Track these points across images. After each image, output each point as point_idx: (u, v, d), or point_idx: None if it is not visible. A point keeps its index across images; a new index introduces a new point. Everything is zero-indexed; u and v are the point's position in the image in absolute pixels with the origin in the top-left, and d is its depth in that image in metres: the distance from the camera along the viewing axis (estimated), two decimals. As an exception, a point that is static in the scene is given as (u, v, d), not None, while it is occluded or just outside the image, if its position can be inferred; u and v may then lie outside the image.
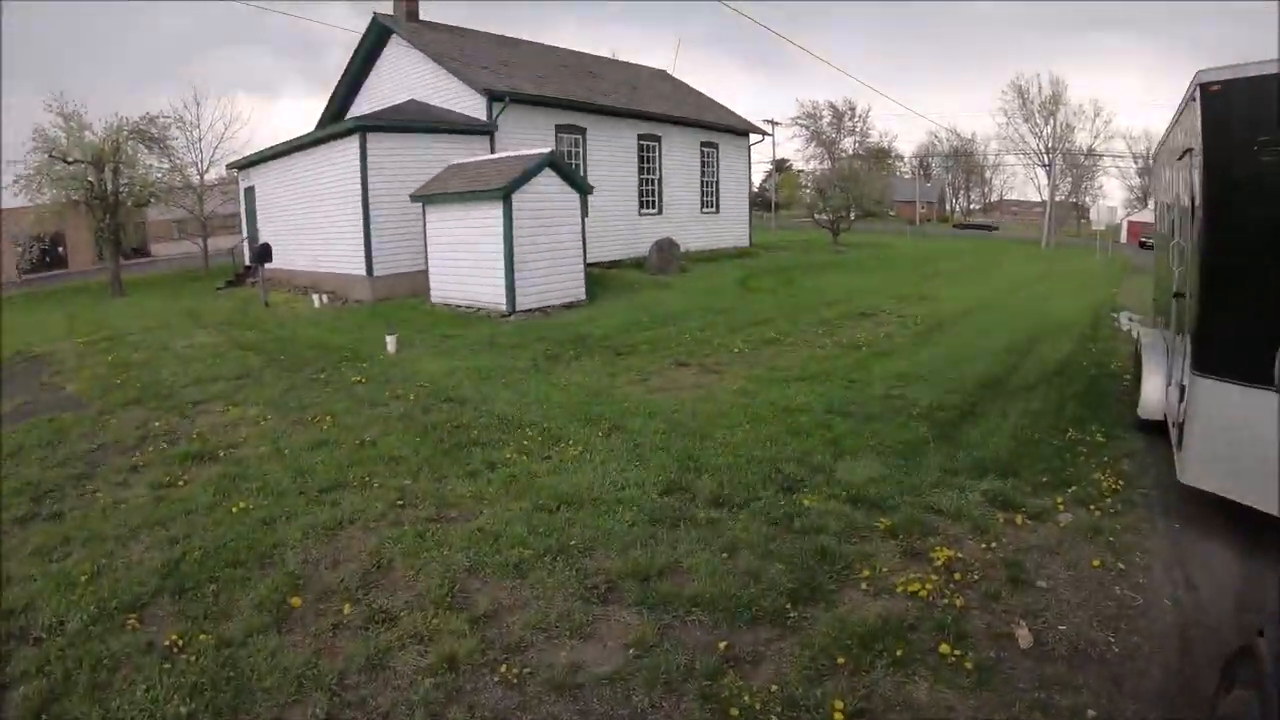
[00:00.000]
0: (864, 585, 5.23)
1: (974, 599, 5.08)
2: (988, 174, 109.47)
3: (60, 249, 58.82)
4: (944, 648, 4.49)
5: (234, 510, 6.69)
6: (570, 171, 18.84)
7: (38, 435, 9.56)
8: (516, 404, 9.74)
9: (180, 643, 4.76)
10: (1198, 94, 5.82)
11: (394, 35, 26.61)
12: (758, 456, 7.62)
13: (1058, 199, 73.36)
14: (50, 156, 32.12)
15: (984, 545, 5.81)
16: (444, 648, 4.55)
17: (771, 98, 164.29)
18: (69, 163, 32.27)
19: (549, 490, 6.78)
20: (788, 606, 4.95)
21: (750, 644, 4.62)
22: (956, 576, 5.32)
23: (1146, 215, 74.04)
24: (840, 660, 4.40)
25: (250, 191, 29.11)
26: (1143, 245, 59.69)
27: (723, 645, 4.56)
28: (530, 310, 17.50)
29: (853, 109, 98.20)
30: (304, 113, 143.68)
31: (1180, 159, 7.21)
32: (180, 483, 7.58)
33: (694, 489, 6.85)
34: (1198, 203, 5.99)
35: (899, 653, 4.44)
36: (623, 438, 8.27)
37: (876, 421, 8.92)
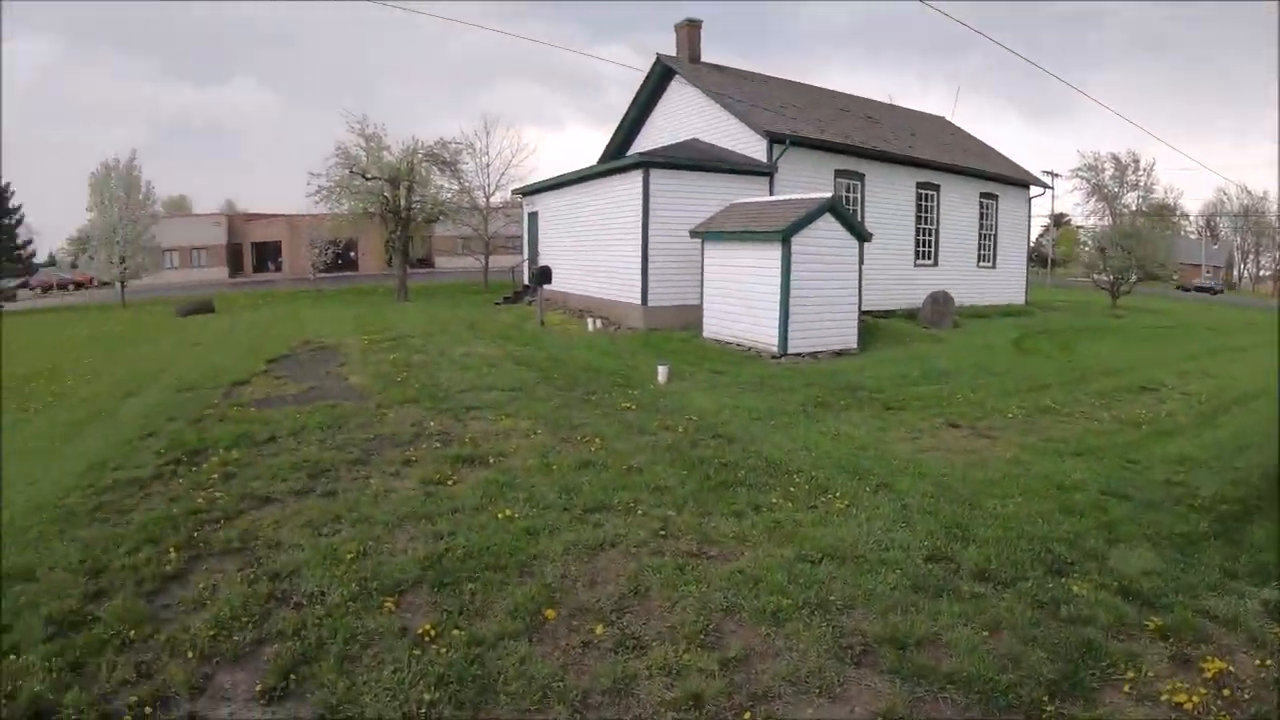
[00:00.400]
0: (1127, 688, 4.67)
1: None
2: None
3: (352, 254, 64.04)
4: None
5: (499, 516, 6.81)
6: (850, 217, 18.51)
7: (319, 418, 10.23)
8: (785, 448, 9.48)
9: (433, 633, 4.87)
10: None
11: (676, 75, 27.24)
12: (1028, 533, 7.01)
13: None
14: (351, 172, 35.22)
15: (1259, 661, 5.06)
16: (691, 684, 4.37)
17: (1049, 148, 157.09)
18: (367, 179, 35.28)
19: (813, 541, 6.48)
20: (1045, 699, 4.47)
21: (1003, 734, 4.20)
22: (1226, 693, 4.66)
23: None
24: (1096, 769, 3.89)
25: (534, 216, 30.52)
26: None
27: (974, 727, 4.17)
28: (800, 354, 17.25)
29: (1136, 161, 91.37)
30: (582, 146, 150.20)
31: None
32: (450, 482, 7.85)
33: (959, 559, 6.37)
34: None
35: None
36: (890, 496, 7.86)
37: (1155, 509, 8.05)
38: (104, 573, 6.05)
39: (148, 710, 4.28)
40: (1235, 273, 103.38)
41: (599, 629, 4.95)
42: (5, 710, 4.37)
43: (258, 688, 4.42)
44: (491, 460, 8.59)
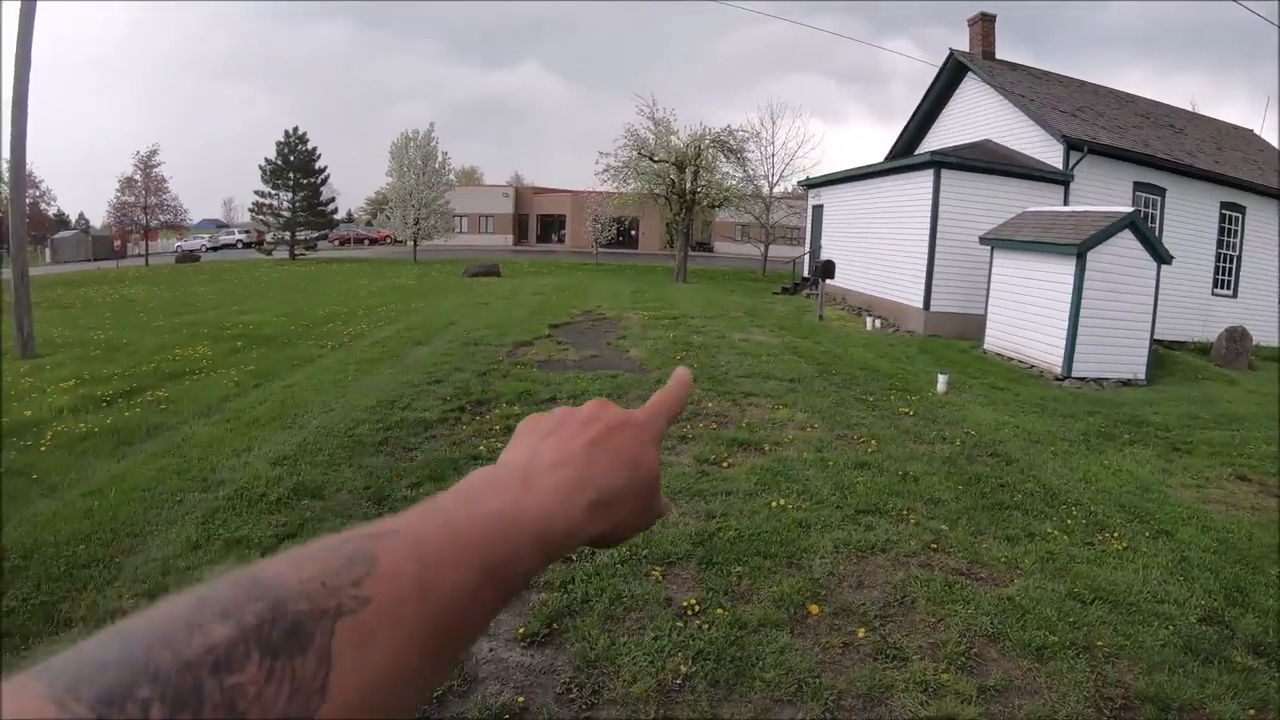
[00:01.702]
0: None
1: None
2: None
3: (633, 232, 65.95)
4: None
5: (772, 504, 6.90)
6: (1151, 236, 17.29)
7: (599, 385, 10.73)
8: (1064, 477, 9.08)
9: (697, 608, 5.03)
10: None
11: (969, 73, 26.30)
12: (1311, 609, 6.47)
13: None
14: (639, 154, 36.17)
15: None
16: (946, 706, 4.32)
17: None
18: (655, 161, 36.10)
19: (1086, 579, 6.20)
20: None
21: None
22: None
23: None
24: None
25: (818, 209, 30.32)
26: None
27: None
28: (1085, 378, 16.37)
29: None
30: (868, 139, 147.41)
31: None
32: (725, 464, 8.01)
33: (1235, 626, 5.89)
34: None
35: None
36: (1170, 545, 7.36)
37: None
38: (386, 500, 6.68)
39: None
40: None
41: (861, 632, 4.96)
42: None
43: (520, 630, 4.74)
44: (767, 448, 8.67)
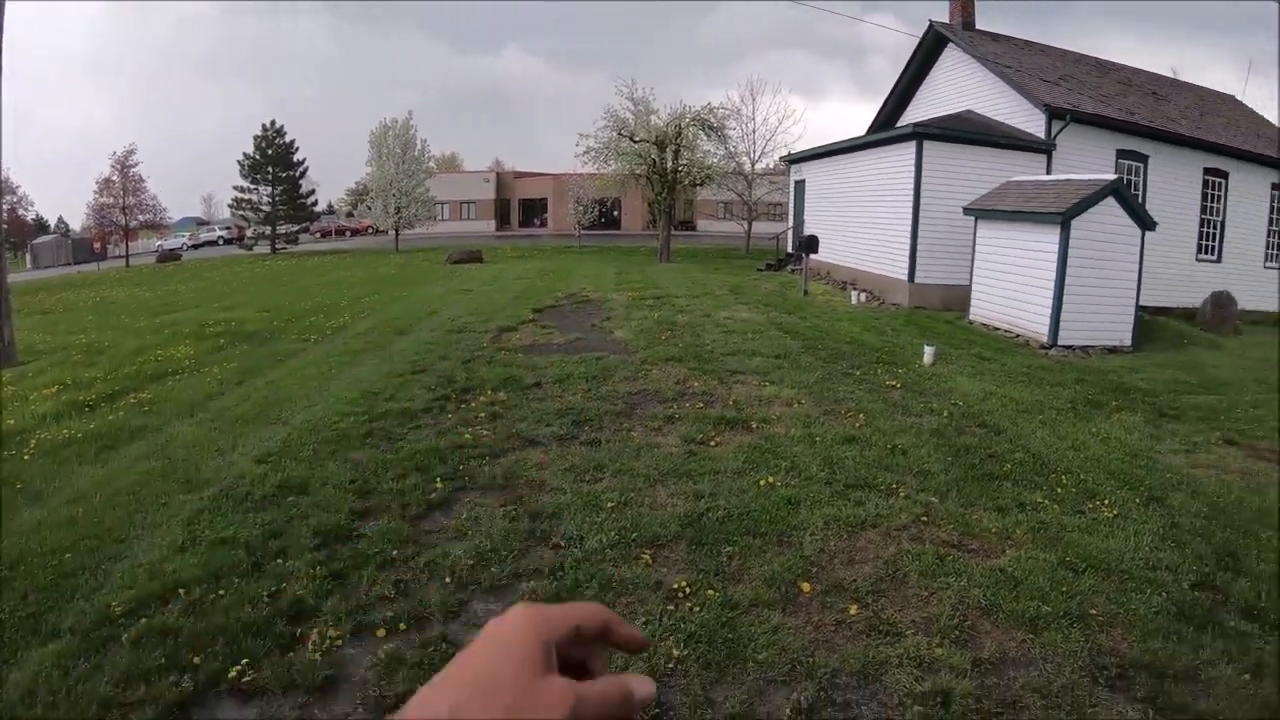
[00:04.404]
0: None
1: None
2: None
3: (615, 213, 65.85)
4: None
5: (761, 483, 6.87)
6: (1134, 203, 17.28)
7: (585, 369, 10.68)
8: (1053, 446, 9.06)
9: (688, 590, 5.00)
10: None
11: (949, 44, 26.14)
12: (1305, 571, 6.46)
13: None
14: (619, 134, 36.14)
15: None
16: (941, 681, 4.30)
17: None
18: (635, 141, 36.08)
19: (1078, 548, 6.18)
20: None
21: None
22: None
23: None
24: None
25: (800, 185, 30.18)
26: None
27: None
28: (1071, 346, 16.38)
29: None
30: (849, 114, 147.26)
31: None
32: (712, 443, 7.97)
33: (1228, 591, 5.88)
34: None
35: None
36: (1161, 511, 7.34)
37: None
38: (372, 494, 6.64)
39: (402, 626, 4.67)
40: None
41: (853, 609, 4.93)
42: (269, 607, 4.82)
43: (510, 619, 4.67)
44: (754, 426, 8.63)
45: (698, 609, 4.78)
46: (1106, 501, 7.38)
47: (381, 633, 4.59)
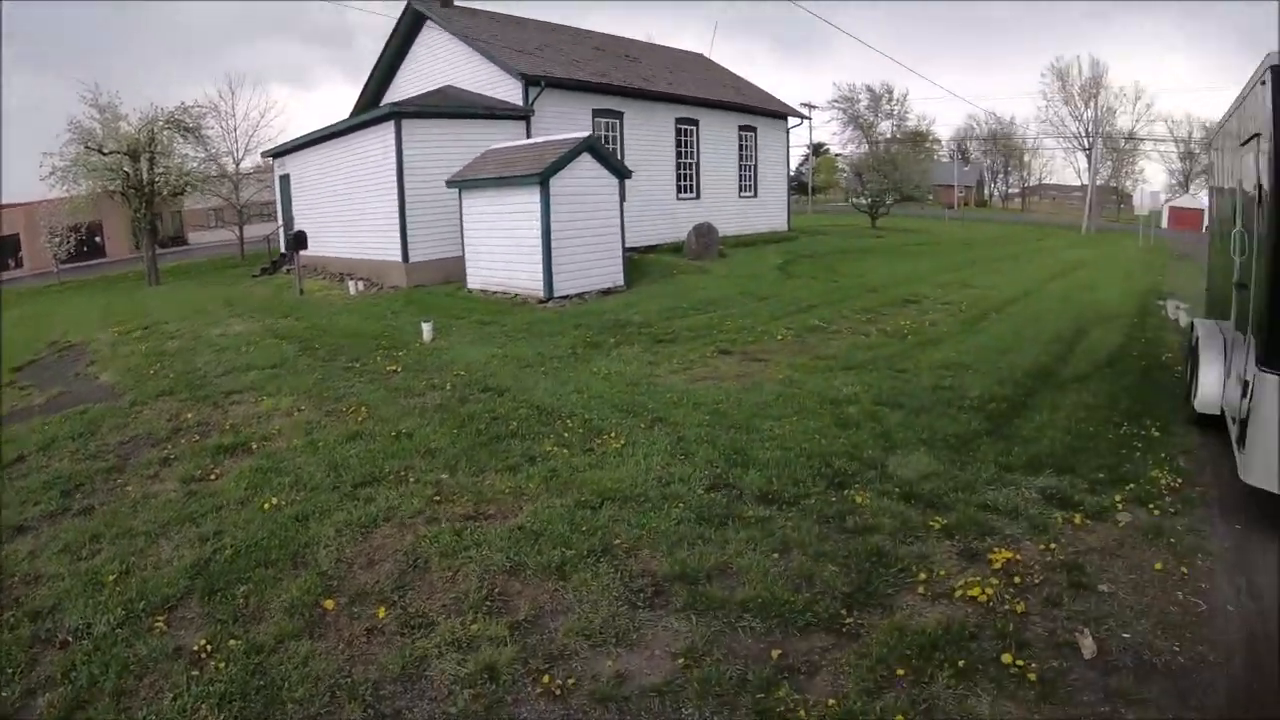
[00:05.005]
0: (921, 590, 4.93)
1: (1035, 604, 4.78)
2: (1026, 158, 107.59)
3: (98, 238, 59.67)
4: (1006, 657, 4.20)
5: (265, 506, 6.43)
6: (608, 156, 18.55)
7: (70, 427, 9.38)
8: (556, 394, 9.44)
9: (209, 648, 4.55)
10: (1269, 77, 5.53)
11: (428, 21, 26.42)
12: (806, 450, 7.26)
13: (1098, 183, 71.94)
14: (86, 148, 32.52)
15: (1043, 546, 5.49)
16: (483, 656, 4.30)
17: (809, 81, 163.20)
18: (105, 154, 32.69)
19: (592, 485, 6.47)
20: (843, 612, 4.66)
21: (805, 653, 4.33)
22: (1016, 580, 5.02)
23: (1188, 200, 73.40)
24: (900, 671, 4.11)
25: (285, 179, 29.09)
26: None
27: (776, 654, 4.29)
28: (568, 296, 17.27)
29: (890, 92, 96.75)
30: (341, 101, 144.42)
31: (1245, 144, 6.89)
32: (212, 476, 7.36)
33: (741, 485, 6.52)
34: (1265, 190, 5.70)
35: (960, 664, 4.14)
36: (666, 430, 7.95)
37: (927, 413, 8.56)
38: None
39: None
40: (986, 191, 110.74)
41: (382, 612, 4.79)
42: None
43: (30, 756, 4.02)
44: (254, 446, 8.12)
45: (223, 664, 4.34)
46: (613, 434, 7.81)
47: None
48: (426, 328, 13.28)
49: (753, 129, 31.32)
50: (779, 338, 12.82)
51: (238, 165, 43.84)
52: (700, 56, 36.86)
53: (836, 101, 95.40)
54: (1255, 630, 4.62)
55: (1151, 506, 6.21)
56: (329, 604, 4.91)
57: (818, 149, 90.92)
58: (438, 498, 6.46)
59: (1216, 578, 5.18)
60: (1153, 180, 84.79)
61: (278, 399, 9.87)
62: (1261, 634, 4.59)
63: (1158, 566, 5.24)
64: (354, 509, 6.28)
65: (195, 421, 9.24)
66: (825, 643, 4.42)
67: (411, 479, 6.89)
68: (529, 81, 22.42)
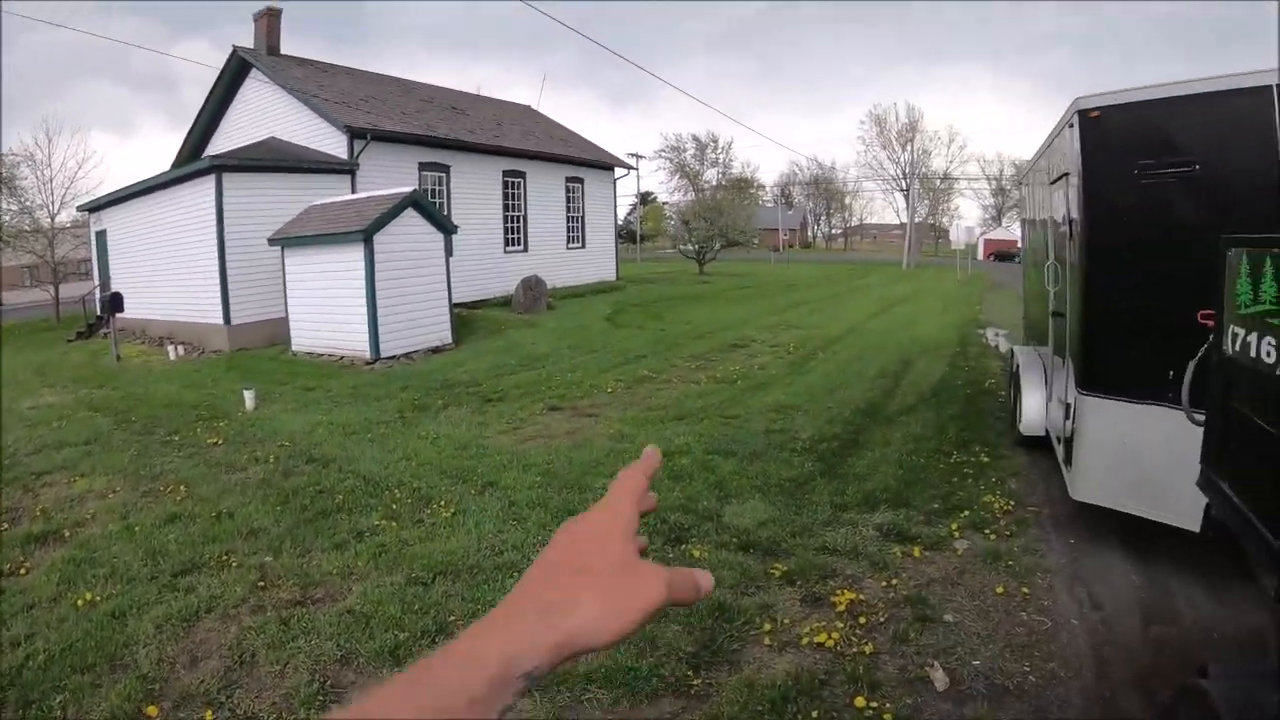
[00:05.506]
0: (767, 641, 5.04)
1: (883, 642, 4.99)
2: (848, 200, 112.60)
3: (-96, 300, 55.41)
4: (859, 701, 4.36)
5: (80, 603, 6.00)
6: (433, 211, 18.52)
7: None
8: (383, 462, 9.30)
9: None
10: (1076, 120, 5.93)
11: (254, 69, 25.83)
12: (640, 506, 7.41)
13: (916, 221, 75.79)
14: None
15: (884, 583, 5.76)
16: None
17: (636, 131, 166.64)
18: (-103, 215, 30.42)
19: (422, 560, 6.39)
20: (690, 674, 4.71)
21: (655, 720, 4.38)
22: (861, 620, 5.23)
23: (1001, 233, 78.53)
24: (754, 729, 4.19)
25: (102, 235, 27.45)
26: (999, 259, 64.08)
27: (625, 726, 4.30)
28: (395, 356, 17.05)
29: (715, 141, 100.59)
30: (165, 149, 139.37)
31: (1054, 182, 7.41)
32: (22, 570, 6.83)
33: None
34: (1077, 226, 6.14)
35: (814, 714, 4.27)
36: (497, 494, 7.96)
37: (760, 459, 8.86)
38: None
39: None
40: (809, 233, 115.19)
41: (209, 715, 4.57)
42: None
43: None
44: (67, 534, 7.56)
45: (41, 793, 4.12)
46: (443, 502, 7.76)
47: None
48: (249, 395, 12.88)
49: (580, 180, 31.93)
50: (609, 390, 13.00)
51: (53, 219, 41.47)
52: (528, 109, 37.28)
53: (663, 151, 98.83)
54: (1100, 640, 4.97)
55: (987, 531, 6.63)
56: (152, 710, 4.65)
57: (645, 198, 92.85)
58: (262, 583, 6.21)
59: (1057, 594, 5.56)
60: (967, 215, 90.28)
61: (91, 479, 9.32)
62: (1106, 643, 4.94)
63: (999, 590, 5.58)
64: (174, 601, 5.95)
65: (4, 507, 8.63)
66: (674, 707, 4.45)
67: (234, 564, 6.59)
68: (354, 134, 22.28)
